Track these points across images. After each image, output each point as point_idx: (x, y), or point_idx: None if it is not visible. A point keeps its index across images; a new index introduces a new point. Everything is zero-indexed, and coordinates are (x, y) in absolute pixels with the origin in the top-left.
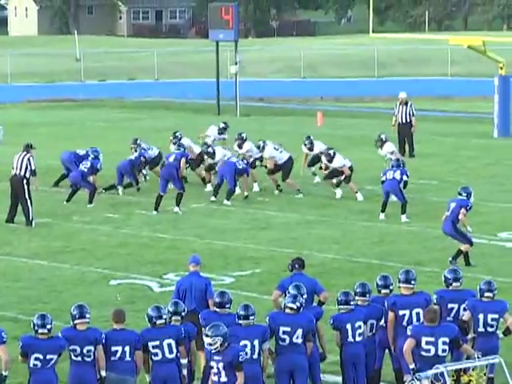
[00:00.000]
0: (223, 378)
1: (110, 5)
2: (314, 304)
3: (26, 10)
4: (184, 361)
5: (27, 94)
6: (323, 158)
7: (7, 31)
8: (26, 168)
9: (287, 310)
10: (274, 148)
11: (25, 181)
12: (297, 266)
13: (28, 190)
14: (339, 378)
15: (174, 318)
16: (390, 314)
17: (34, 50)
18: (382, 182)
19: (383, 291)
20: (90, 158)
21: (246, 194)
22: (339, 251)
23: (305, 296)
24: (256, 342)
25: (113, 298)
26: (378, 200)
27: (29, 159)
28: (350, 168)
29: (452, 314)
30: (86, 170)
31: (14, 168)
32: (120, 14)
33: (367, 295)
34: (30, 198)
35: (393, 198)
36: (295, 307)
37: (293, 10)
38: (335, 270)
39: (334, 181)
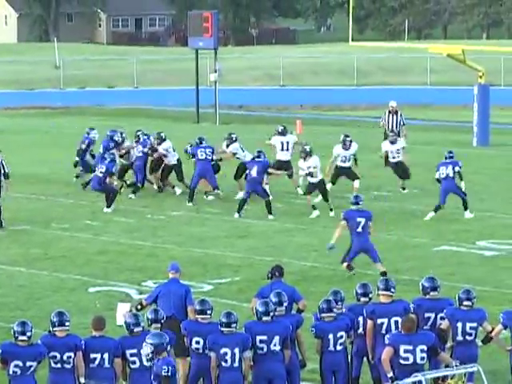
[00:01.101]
0: None
1: (90, 12)
2: (293, 312)
3: (6, 17)
4: None
5: (5, 102)
6: (224, 143)
7: None
8: (0, 171)
9: (263, 319)
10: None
11: (1, 184)
12: (276, 273)
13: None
14: None
15: (153, 325)
16: (369, 323)
17: (13, 58)
18: (437, 179)
19: (362, 299)
20: (106, 162)
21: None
22: (318, 259)
23: (285, 304)
24: (236, 350)
25: (92, 306)
26: None
27: (2, 163)
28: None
29: (429, 323)
30: (102, 174)
31: None
32: (99, 22)
33: (340, 303)
34: None
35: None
36: (269, 319)
37: (272, 18)
38: (314, 277)
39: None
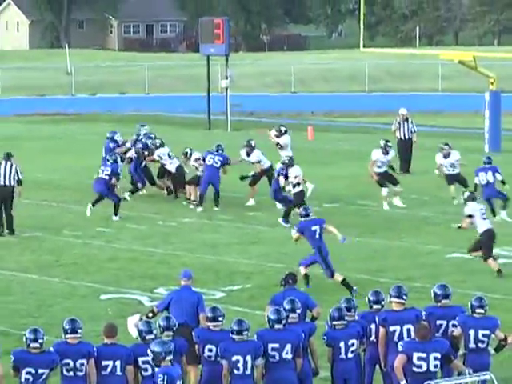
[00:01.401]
0: None
1: (101, 19)
2: (307, 319)
3: (18, 23)
4: None
5: (17, 108)
6: (243, 151)
7: None
8: (15, 178)
9: (275, 326)
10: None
11: (14, 190)
12: (290, 281)
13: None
14: None
15: (165, 333)
16: (381, 330)
17: (25, 64)
18: (475, 185)
19: (375, 306)
20: (108, 163)
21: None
22: None
23: (299, 311)
24: (248, 358)
25: (103, 313)
26: (369, 215)
27: (16, 169)
28: (266, 170)
29: (441, 331)
30: (108, 177)
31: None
32: (111, 28)
33: (352, 310)
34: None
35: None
36: (281, 326)
37: (284, 24)
38: (326, 285)
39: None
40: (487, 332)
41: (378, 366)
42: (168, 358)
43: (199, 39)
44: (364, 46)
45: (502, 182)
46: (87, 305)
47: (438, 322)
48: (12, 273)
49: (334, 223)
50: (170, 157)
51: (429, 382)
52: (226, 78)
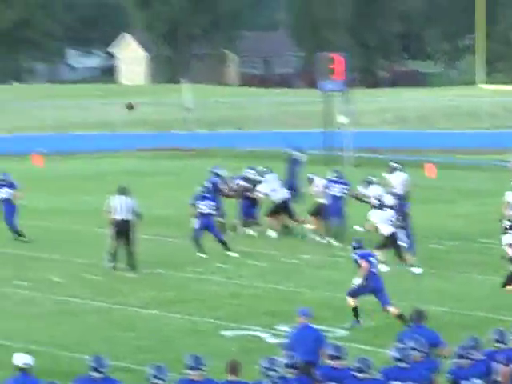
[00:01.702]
0: None
1: (220, 54)
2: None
3: (136, 58)
4: None
5: (137, 143)
6: (360, 186)
7: (117, 80)
8: (133, 212)
9: (399, 365)
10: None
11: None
12: (417, 317)
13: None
14: None
15: (289, 370)
16: (506, 369)
17: (143, 99)
18: None
19: (499, 345)
20: (210, 198)
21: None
22: (450, 304)
23: (424, 349)
24: None
25: (225, 349)
26: (493, 254)
27: (134, 203)
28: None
29: None
30: (212, 211)
31: (118, 212)
32: (229, 63)
33: (476, 349)
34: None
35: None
36: (406, 365)
37: (402, 60)
38: (446, 323)
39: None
40: None
41: None
42: None
43: (317, 75)
44: (483, 83)
45: None
46: (209, 341)
47: None
48: (134, 308)
49: (455, 261)
50: (272, 190)
51: None
52: (344, 115)
